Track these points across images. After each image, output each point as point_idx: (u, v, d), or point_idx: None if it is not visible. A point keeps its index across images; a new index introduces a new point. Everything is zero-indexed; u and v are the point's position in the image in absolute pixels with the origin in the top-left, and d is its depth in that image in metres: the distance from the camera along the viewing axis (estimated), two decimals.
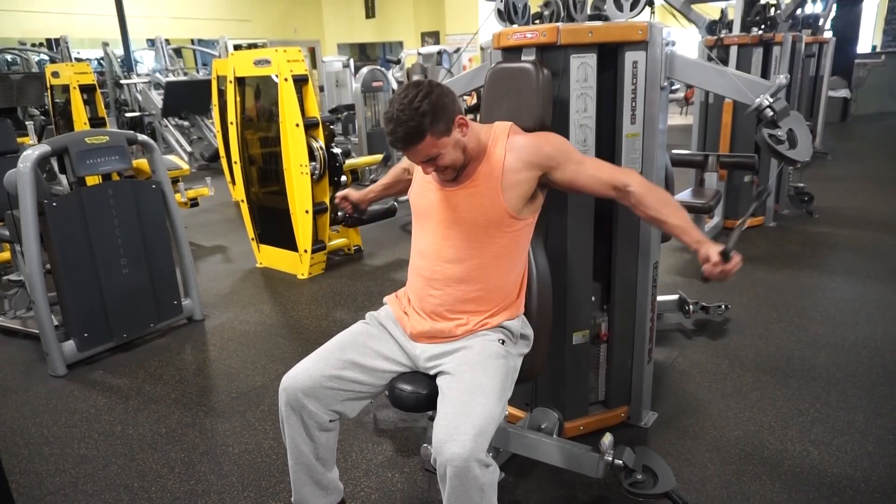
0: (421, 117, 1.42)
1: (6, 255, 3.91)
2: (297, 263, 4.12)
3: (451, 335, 1.58)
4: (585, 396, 2.20)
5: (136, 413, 2.51)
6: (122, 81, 9.20)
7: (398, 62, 9.06)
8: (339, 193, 2.02)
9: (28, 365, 2.97)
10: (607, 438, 1.77)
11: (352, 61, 9.09)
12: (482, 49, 7.63)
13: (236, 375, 2.80)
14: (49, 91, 6.39)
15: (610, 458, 1.75)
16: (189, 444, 2.29)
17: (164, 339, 3.23)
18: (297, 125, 3.78)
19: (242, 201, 4.38)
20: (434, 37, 14.93)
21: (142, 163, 3.88)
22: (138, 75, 9.37)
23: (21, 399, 2.66)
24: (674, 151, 3.72)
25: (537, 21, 2.18)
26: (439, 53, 7.85)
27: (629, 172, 1.63)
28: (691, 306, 3.04)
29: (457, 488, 1.30)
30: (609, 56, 1.88)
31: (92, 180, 3.00)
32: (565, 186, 1.62)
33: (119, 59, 9.71)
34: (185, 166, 4.85)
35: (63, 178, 4.85)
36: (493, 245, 1.58)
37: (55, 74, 6.20)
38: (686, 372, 2.65)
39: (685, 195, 4.01)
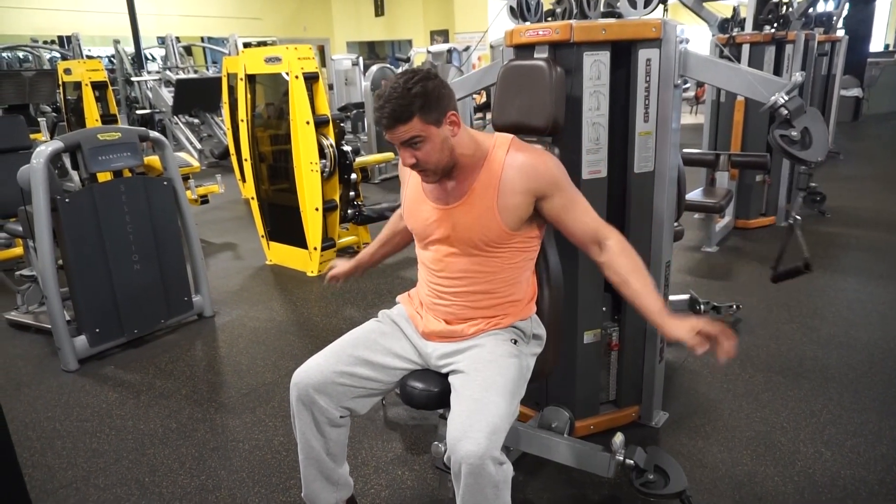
0: (412, 98, 1.36)
1: (19, 250, 3.94)
2: (307, 261, 4.13)
3: (463, 335, 1.58)
4: (596, 396, 2.19)
5: (147, 408, 2.53)
6: (133, 79, 9.26)
7: (407, 60, 9.06)
8: (330, 274, 1.90)
9: (40, 359, 3.00)
10: (618, 438, 1.76)
11: (361, 59, 9.11)
12: (492, 47, 7.62)
13: (246, 372, 2.81)
14: (61, 88, 6.43)
15: (621, 458, 1.75)
16: (199, 439, 2.30)
17: (174, 335, 3.24)
18: (308, 123, 3.79)
19: (252, 198, 4.40)
20: (443, 35, 14.93)
21: (153, 159, 3.90)
22: (149, 72, 9.42)
23: (34, 393, 2.68)
24: (685, 150, 3.70)
25: (550, 18, 2.18)
26: (449, 52, 7.84)
27: (612, 228, 1.54)
28: (702, 306, 3.02)
29: (471, 486, 1.30)
30: (622, 54, 1.87)
31: (104, 177, 3.03)
32: (550, 218, 1.53)
33: (130, 57, 9.76)
34: (196, 163, 4.88)
35: (75, 174, 4.88)
36: (496, 259, 1.55)
37: (67, 71, 6.24)
38: (697, 372, 2.63)
39: (696, 194, 4.00)
